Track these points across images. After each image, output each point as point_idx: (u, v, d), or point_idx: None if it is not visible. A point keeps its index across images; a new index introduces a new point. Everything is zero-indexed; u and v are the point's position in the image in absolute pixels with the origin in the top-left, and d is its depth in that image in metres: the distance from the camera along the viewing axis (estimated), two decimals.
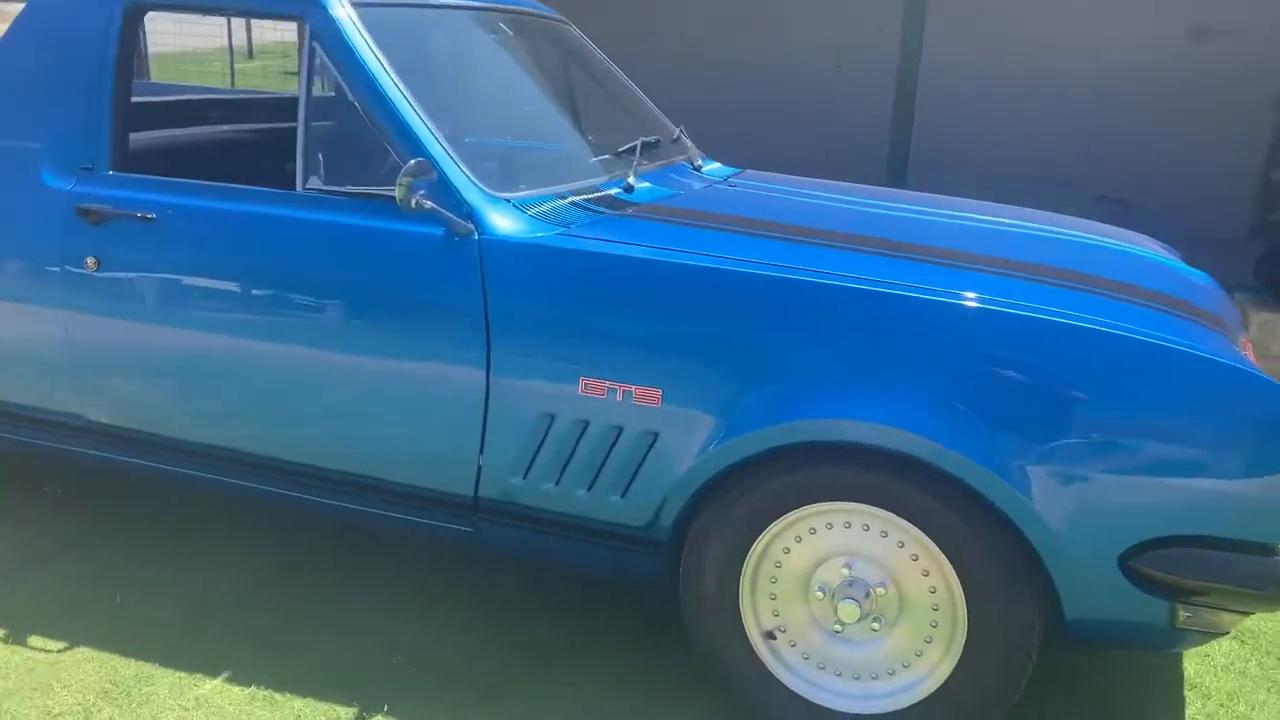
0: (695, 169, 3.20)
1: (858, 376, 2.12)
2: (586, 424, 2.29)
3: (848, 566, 2.22)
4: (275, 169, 3.21)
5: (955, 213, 3.01)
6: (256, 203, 2.52)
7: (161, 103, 3.59)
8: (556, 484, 2.36)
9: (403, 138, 2.40)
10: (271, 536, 3.14)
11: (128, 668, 2.51)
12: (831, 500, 2.17)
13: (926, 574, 2.18)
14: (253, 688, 2.45)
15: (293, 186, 2.49)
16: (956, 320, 2.12)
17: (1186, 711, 2.49)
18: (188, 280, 2.56)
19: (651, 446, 2.26)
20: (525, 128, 3.01)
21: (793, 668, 2.31)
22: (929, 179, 5.26)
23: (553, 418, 2.32)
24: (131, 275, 2.61)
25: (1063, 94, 5.86)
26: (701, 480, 2.23)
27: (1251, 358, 2.31)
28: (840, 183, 3.38)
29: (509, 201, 2.42)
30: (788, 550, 2.25)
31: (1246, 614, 2.08)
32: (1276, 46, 5.48)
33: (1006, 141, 5.93)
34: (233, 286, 2.52)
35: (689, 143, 3.31)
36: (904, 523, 2.14)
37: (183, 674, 2.50)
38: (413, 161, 2.27)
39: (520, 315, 2.31)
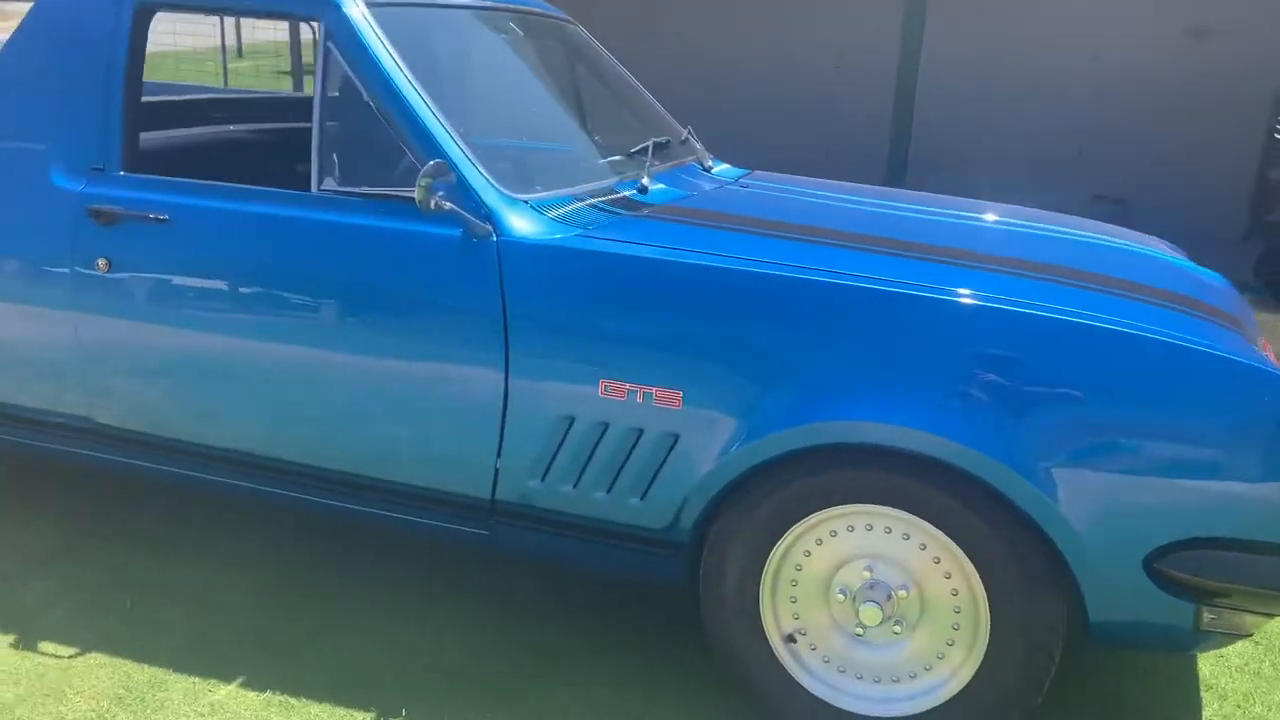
0: (705, 170, 3.19)
1: (878, 378, 2.12)
2: (606, 426, 2.28)
3: (869, 569, 2.22)
4: (286, 170, 3.19)
5: (963, 213, 3.00)
6: (271, 204, 2.50)
7: (169, 102, 3.56)
8: (575, 486, 2.35)
9: (420, 139, 2.38)
10: (273, 537, 3.12)
11: (140, 673, 2.49)
12: (853, 502, 2.17)
13: (949, 576, 2.17)
14: (268, 693, 2.44)
15: (305, 187, 2.47)
16: (975, 321, 2.11)
17: (1203, 713, 2.49)
18: (201, 282, 2.54)
19: (672, 449, 2.25)
20: (538, 128, 2.99)
21: (813, 671, 2.31)
22: (929, 179, 5.26)
23: (572, 420, 2.30)
24: (144, 277, 2.58)
25: (1062, 94, 5.88)
26: (723, 482, 2.22)
27: (1271, 357, 2.31)
28: (847, 183, 3.37)
29: (527, 203, 2.40)
30: (809, 553, 2.25)
31: (1271, 616, 2.08)
32: (1276, 46, 5.50)
33: (1006, 141, 5.95)
34: (247, 288, 2.50)
35: (698, 144, 3.30)
36: (926, 525, 2.14)
37: (196, 679, 2.48)
38: (431, 163, 2.26)
39: (539, 317, 2.30)
